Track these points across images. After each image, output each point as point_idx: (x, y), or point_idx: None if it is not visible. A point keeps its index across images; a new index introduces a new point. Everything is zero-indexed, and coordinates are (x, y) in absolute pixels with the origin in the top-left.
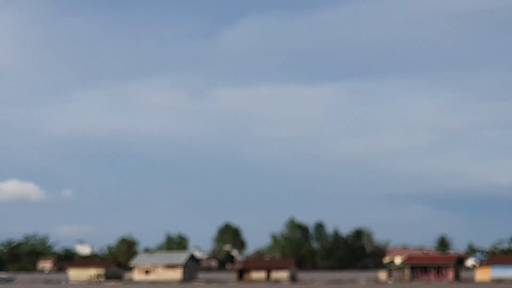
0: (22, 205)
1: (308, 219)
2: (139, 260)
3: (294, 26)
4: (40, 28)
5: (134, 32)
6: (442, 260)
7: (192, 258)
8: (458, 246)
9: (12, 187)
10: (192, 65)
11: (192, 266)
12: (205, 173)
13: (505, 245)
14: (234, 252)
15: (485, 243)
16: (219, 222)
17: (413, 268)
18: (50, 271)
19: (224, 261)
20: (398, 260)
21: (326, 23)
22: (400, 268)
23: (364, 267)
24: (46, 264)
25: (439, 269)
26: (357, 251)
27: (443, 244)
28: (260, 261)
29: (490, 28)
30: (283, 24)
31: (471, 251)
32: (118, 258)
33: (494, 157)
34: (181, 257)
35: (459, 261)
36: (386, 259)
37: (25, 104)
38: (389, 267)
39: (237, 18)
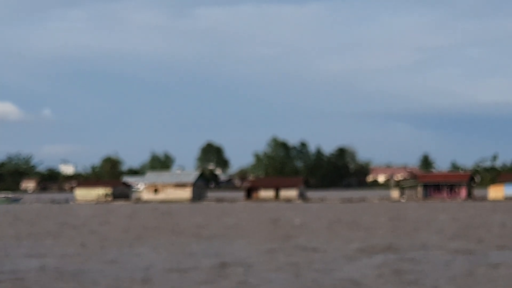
0: (1, 125)
1: (291, 138)
2: (147, 179)
3: None
4: None
5: None
6: (455, 178)
7: (202, 176)
8: (441, 165)
9: None
10: None
11: (201, 185)
12: (188, 92)
13: (488, 163)
14: (218, 171)
15: (468, 161)
16: (202, 141)
17: (426, 186)
18: (34, 191)
19: (207, 180)
20: (381, 178)
21: None
22: (413, 186)
23: (348, 186)
24: (29, 184)
25: (452, 187)
26: (340, 170)
27: (426, 162)
28: (269, 179)
29: None
30: None
31: (454, 169)
32: (102, 177)
33: (478, 75)
34: (190, 175)
35: (471, 179)
36: (370, 178)
37: (2, 23)
38: (402, 185)
39: None
